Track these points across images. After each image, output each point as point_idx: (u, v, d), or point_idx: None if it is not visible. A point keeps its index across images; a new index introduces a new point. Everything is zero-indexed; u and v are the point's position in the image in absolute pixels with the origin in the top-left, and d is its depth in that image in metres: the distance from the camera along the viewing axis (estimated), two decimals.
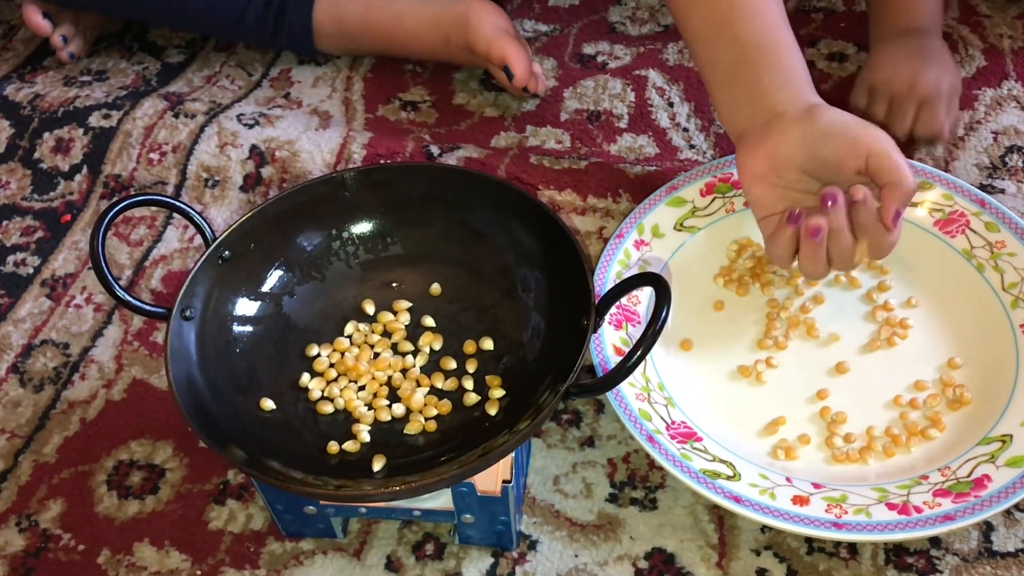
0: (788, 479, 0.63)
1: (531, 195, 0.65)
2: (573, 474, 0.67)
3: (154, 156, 0.89)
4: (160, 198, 0.63)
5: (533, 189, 0.83)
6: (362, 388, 0.64)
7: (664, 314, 0.52)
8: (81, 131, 0.91)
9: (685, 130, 0.90)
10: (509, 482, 0.59)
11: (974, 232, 0.73)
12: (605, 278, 0.72)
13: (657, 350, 0.69)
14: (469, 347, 0.65)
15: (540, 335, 0.63)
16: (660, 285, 0.54)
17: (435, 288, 0.68)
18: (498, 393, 0.62)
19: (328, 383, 0.64)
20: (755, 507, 0.59)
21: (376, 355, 0.65)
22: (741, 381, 0.69)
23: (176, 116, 0.91)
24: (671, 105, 0.92)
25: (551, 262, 0.64)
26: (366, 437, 0.60)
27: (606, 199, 0.82)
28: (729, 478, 0.62)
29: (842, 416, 0.66)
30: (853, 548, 0.62)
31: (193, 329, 0.61)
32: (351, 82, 0.97)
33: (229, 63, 1.00)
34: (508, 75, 0.88)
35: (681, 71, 0.95)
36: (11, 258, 0.84)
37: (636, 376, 0.67)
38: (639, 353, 0.52)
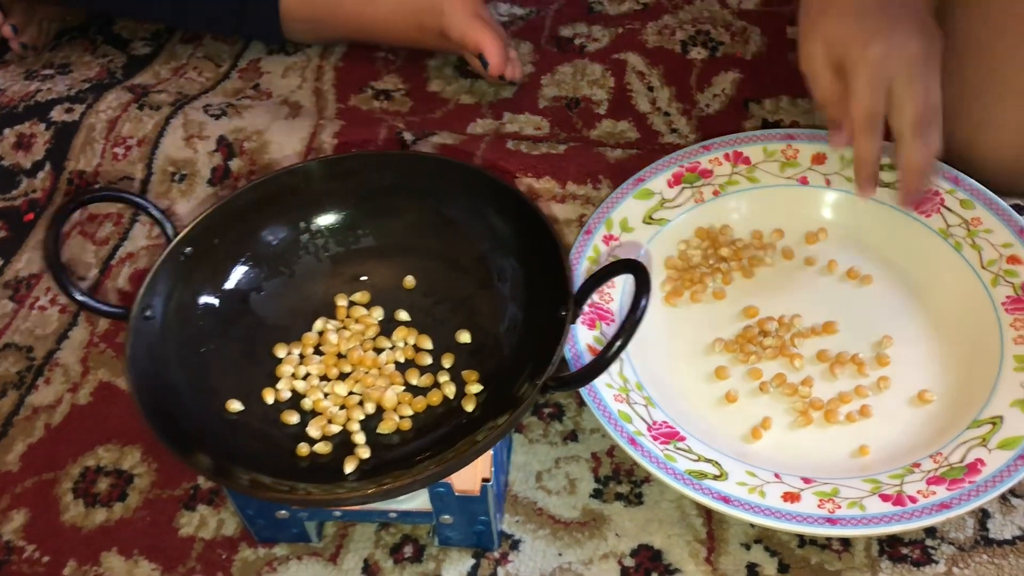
0: (777, 475, 0.61)
1: (505, 181, 0.63)
2: (556, 470, 0.65)
3: (119, 150, 0.86)
4: (116, 193, 0.60)
5: (510, 176, 0.81)
6: (330, 387, 0.61)
7: (644, 302, 0.50)
8: (43, 126, 0.88)
9: (666, 114, 0.87)
10: (488, 481, 0.56)
11: (949, 210, 0.71)
12: (575, 275, 0.69)
13: (633, 349, 0.67)
14: (445, 341, 0.62)
15: (517, 327, 0.61)
16: (639, 272, 0.52)
17: (409, 281, 0.66)
18: (475, 388, 0.60)
19: (297, 381, 0.61)
20: (745, 507, 0.57)
21: (348, 352, 0.63)
22: (721, 379, 0.67)
23: (141, 108, 0.88)
24: (651, 89, 0.89)
25: (527, 250, 0.62)
26: (360, 443, 0.58)
27: (586, 185, 0.80)
28: (716, 478, 0.60)
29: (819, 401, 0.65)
30: (846, 540, 0.60)
31: (154, 329, 0.59)
32: (322, 71, 0.94)
33: (196, 55, 0.97)
34: (483, 63, 0.86)
35: (661, 54, 0.92)
36: None
37: (614, 376, 0.64)
38: (620, 342, 0.50)
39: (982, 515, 0.61)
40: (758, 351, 0.68)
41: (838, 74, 0.67)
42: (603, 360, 0.50)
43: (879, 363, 0.67)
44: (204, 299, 0.62)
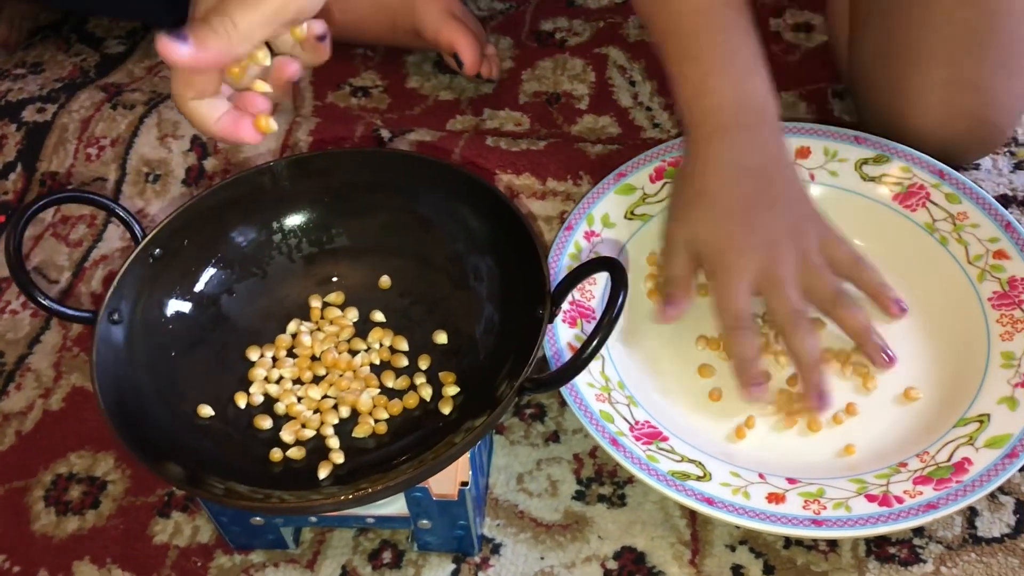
0: (761, 475, 0.59)
1: (480, 177, 0.62)
2: (537, 472, 0.64)
3: (92, 151, 0.84)
4: (82, 194, 0.59)
5: (489, 174, 0.79)
6: (304, 390, 0.60)
7: (621, 300, 0.49)
8: (14, 127, 0.86)
9: (648, 109, 0.86)
10: (467, 484, 0.55)
11: (935, 204, 0.70)
12: (556, 271, 0.68)
13: (615, 346, 0.66)
14: (422, 342, 0.61)
15: (494, 327, 0.60)
16: (616, 269, 0.51)
17: (384, 281, 0.65)
18: (452, 390, 0.59)
19: (270, 385, 0.60)
20: (729, 508, 0.56)
21: (322, 354, 0.61)
22: (705, 377, 0.66)
23: (114, 108, 0.86)
24: (633, 84, 0.88)
25: (504, 249, 0.60)
26: (334, 448, 0.57)
27: (566, 182, 0.79)
28: (699, 479, 0.58)
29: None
30: (832, 541, 0.59)
31: (122, 333, 0.57)
32: None
33: None
34: (458, 62, 0.84)
35: (643, 48, 0.91)
36: None
37: (595, 375, 0.63)
38: (596, 341, 0.49)
39: (970, 513, 0.60)
40: None
41: (694, 260, 0.65)
42: (580, 360, 0.49)
43: (864, 359, 0.65)
44: (173, 302, 0.61)
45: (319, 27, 0.53)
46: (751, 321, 0.62)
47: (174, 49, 0.47)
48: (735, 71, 0.67)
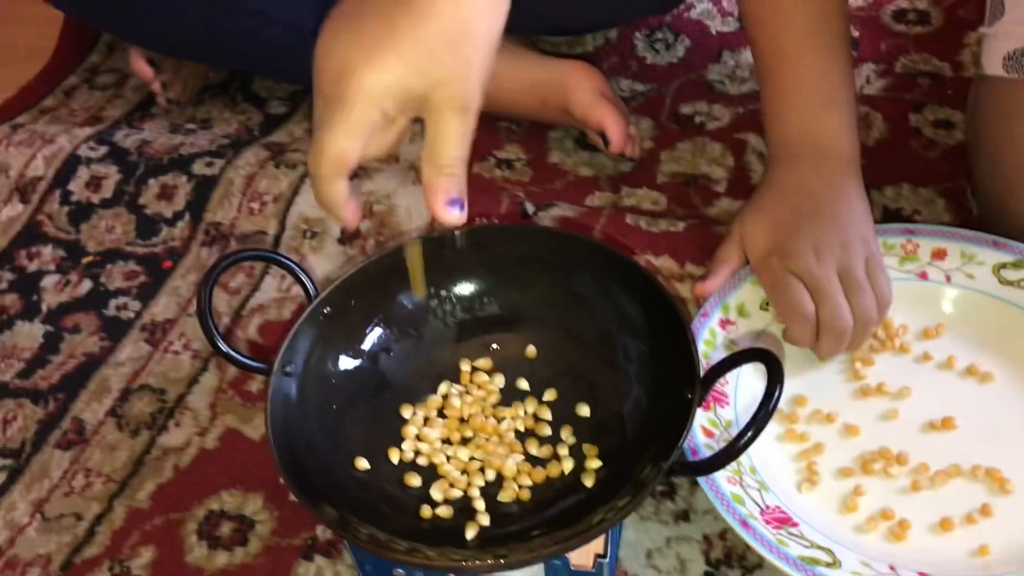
0: (892, 567, 0.60)
1: (635, 261, 0.64)
2: (667, 549, 0.65)
3: (255, 205, 0.90)
4: (269, 254, 0.64)
5: (629, 252, 0.82)
6: (452, 451, 0.63)
7: (777, 394, 0.51)
8: (185, 178, 0.93)
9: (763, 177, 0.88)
10: (603, 557, 0.57)
11: None
12: None
13: None
14: (564, 413, 0.64)
15: (641, 406, 0.62)
16: (772, 362, 0.52)
17: (531, 350, 0.68)
18: (595, 464, 0.61)
19: (421, 443, 0.63)
20: None
21: (470, 417, 0.64)
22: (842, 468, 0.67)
23: (277, 166, 0.92)
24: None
25: (654, 331, 0.63)
26: (480, 510, 0.59)
27: (704, 267, 0.81)
28: (829, 565, 0.59)
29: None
30: None
31: (293, 385, 0.61)
32: None
33: None
34: (604, 140, 0.88)
35: None
36: (113, 302, 0.86)
37: None
38: (751, 432, 0.50)
39: None
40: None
41: (743, 258, 0.74)
42: (733, 449, 0.51)
43: (1000, 462, 0.65)
44: (339, 357, 0.65)
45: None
46: (808, 312, 0.66)
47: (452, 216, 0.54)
48: (807, 109, 0.74)
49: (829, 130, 0.73)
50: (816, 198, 0.71)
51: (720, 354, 0.71)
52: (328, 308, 0.64)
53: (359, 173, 0.91)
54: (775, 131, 0.76)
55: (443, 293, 0.68)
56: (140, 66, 1.01)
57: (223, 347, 0.61)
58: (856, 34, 1.03)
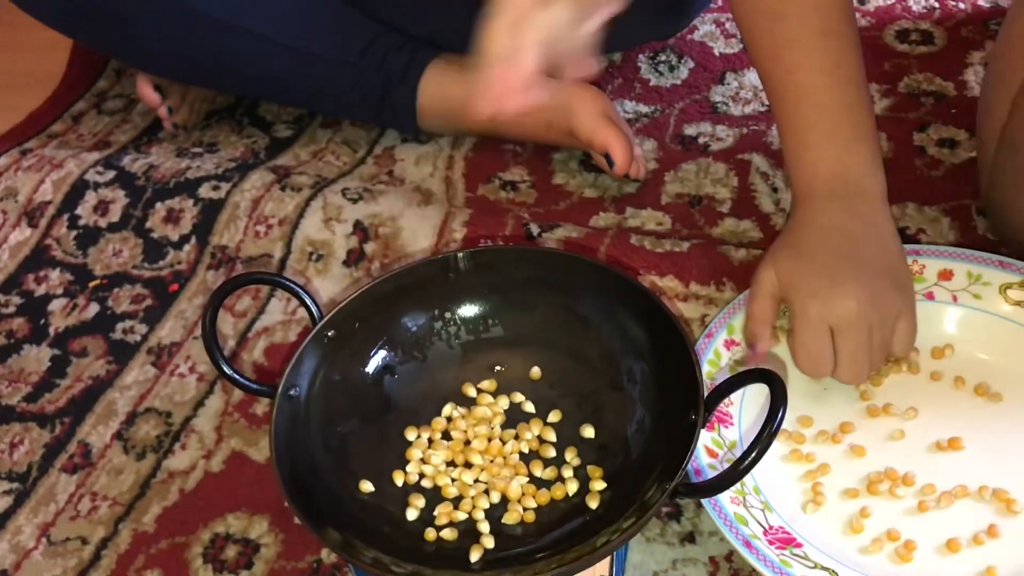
0: None
1: (639, 282, 0.65)
2: (673, 571, 0.65)
3: (260, 228, 0.91)
4: (273, 277, 0.64)
5: (634, 273, 0.82)
6: (457, 473, 0.63)
7: (780, 415, 0.51)
8: (191, 202, 0.94)
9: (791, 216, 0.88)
10: None
11: None
12: None
13: None
14: (569, 435, 0.64)
15: (645, 428, 0.62)
16: (775, 383, 0.52)
17: (535, 372, 0.68)
18: (599, 485, 0.61)
19: (426, 466, 0.63)
20: None
21: (474, 439, 0.64)
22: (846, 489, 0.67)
23: (283, 189, 0.93)
24: (775, 191, 0.90)
25: (658, 353, 0.63)
26: (484, 532, 0.59)
27: (709, 286, 0.81)
28: None
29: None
30: None
31: (298, 408, 0.61)
32: (452, 161, 0.98)
33: (335, 139, 1.03)
34: (609, 162, 0.88)
35: None
36: (120, 325, 0.86)
37: None
38: (755, 453, 0.50)
39: None
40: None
41: (777, 303, 0.69)
42: (737, 471, 0.51)
43: (1007, 483, 0.65)
44: (343, 380, 0.65)
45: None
46: (827, 364, 0.66)
47: None
48: (833, 147, 0.70)
49: (859, 167, 0.70)
50: (853, 239, 0.68)
51: (725, 375, 0.71)
52: (332, 331, 0.64)
53: (362, 195, 0.92)
54: (801, 170, 0.71)
55: (447, 315, 0.68)
56: (146, 92, 1.02)
57: (227, 370, 0.61)
58: None
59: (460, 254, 0.66)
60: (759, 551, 0.61)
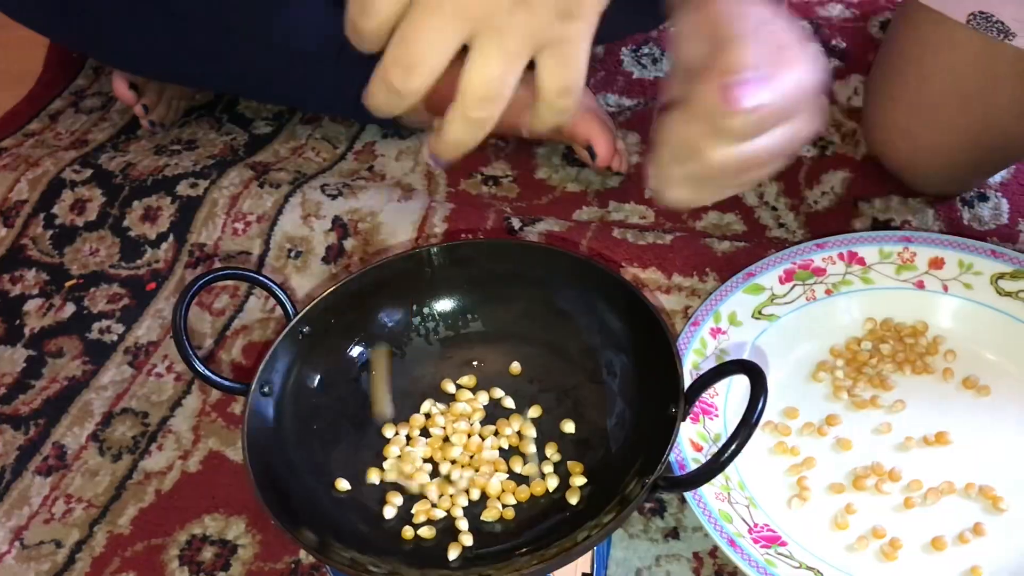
0: None
1: (618, 275, 0.64)
2: (656, 567, 0.64)
3: (239, 226, 0.89)
4: (243, 272, 0.62)
5: (616, 266, 0.81)
6: (436, 471, 0.62)
7: (761, 405, 0.50)
8: (169, 200, 0.92)
9: (774, 208, 0.87)
10: (590, 575, 0.56)
11: None
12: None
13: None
14: (549, 430, 0.62)
15: (625, 422, 0.61)
16: (755, 374, 0.51)
17: (515, 367, 0.66)
18: (579, 481, 0.60)
19: (404, 464, 0.62)
20: None
21: (453, 435, 0.63)
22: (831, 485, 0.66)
23: (261, 186, 0.92)
24: (759, 184, 0.89)
25: (638, 345, 0.62)
26: (463, 530, 0.58)
27: (692, 278, 0.80)
28: None
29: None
30: None
31: (271, 405, 0.60)
32: None
33: (315, 135, 1.02)
34: (591, 154, 0.87)
35: None
36: (96, 325, 0.85)
37: None
38: (735, 445, 0.49)
39: None
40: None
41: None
42: (718, 463, 0.50)
43: (993, 479, 0.64)
44: (319, 377, 0.64)
45: None
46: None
47: None
48: None
49: None
50: None
51: (711, 363, 0.70)
52: (307, 327, 0.63)
53: (342, 190, 0.91)
54: None
55: (425, 310, 0.67)
56: (122, 90, 1.00)
57: (200, 368, 0.60)
58: (843, 45, 1.03)
59: (436, 249, 0.65)
60: (743, 550, 0.60)
